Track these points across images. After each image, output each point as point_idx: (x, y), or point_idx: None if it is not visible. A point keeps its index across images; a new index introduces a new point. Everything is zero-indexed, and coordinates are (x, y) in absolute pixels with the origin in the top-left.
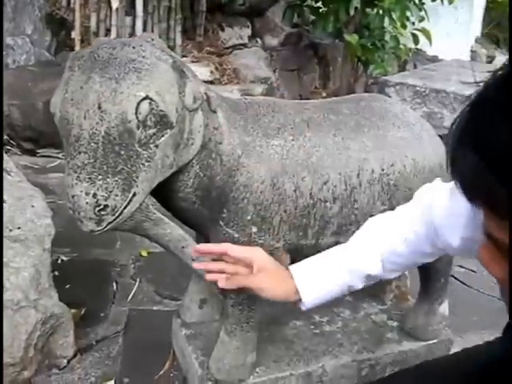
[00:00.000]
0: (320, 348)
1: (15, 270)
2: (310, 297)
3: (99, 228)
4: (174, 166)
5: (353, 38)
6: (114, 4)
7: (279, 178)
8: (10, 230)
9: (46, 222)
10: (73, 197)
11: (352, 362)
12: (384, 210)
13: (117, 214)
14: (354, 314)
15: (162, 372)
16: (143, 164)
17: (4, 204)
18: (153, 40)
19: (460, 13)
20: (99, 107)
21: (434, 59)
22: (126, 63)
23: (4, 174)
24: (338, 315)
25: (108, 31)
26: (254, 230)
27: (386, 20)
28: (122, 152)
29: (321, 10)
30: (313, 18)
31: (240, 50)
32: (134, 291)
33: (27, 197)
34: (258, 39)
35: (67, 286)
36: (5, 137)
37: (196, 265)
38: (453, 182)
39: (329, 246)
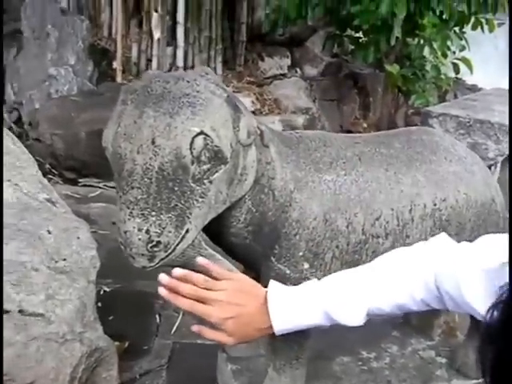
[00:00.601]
0: None
1: (60, 302)
2: (282, 327)
3: (151, 264)
4: (227, 201)
5: (394, 68)
6: (156, 34)
7: (331, 214)
8: (56, 262)
9: (92, 253)
10: (125, 232)
11: None
12: None
13: (169, 251)
14: (401, 350)
15: None
16: (197, 200)
17: (49, 235)
18: (207, 74)
19: (499, 41)
20: (153, 142)
21: (474, 88)
22: (180, 97)
23: (49, 204)
24: (385, 351)
25: (149, 61)
26: (306, 266)
27: (427, 49)
28: (176, 188)
29: (361, 40)
30: (352, 47)
31: (280, 80)
32: (177, 324)
33: (72, 228)
34: (298, 69)
35: (110, 318)
36: (46, 166)
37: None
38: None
39: None
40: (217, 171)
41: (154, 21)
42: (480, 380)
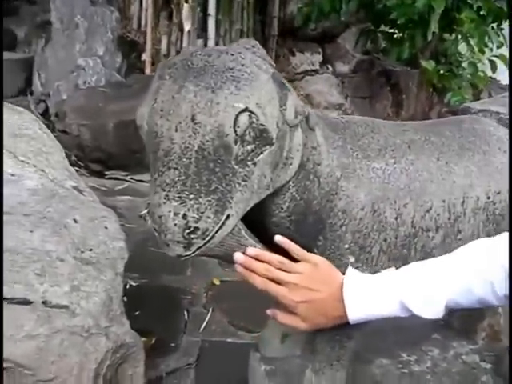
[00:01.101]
0: None
1: (86, 294)
2: (356, 317)
3: (187, 253)
4: (271, 187)
5: (429, 65)
6: (186, 27)
7: (380, 204)
8: (82, 252)
9: (120, 244)
10: (160, 217)
11: None
12: None
13: (207, 239)
14: (443, 354)
15: None
16: (239, 183)
17: (76, 224)
18: (253, 47)
19: None
20: (193, 119)
21: (505, 94)
22: (224, 71)
23: (76, 192)
24: (426, 354)
25: (179, 53)
26: (352, 259)
27: (464, 46)
28: (217, 169)
29: (395, 36)
30: (386, 44)
31: (311, 76)
32: (206, 321)
33: (100, 218)
34: (329, 66)
35: (136, 313)
36: (73, 158)
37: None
38: None
39: None
40: (262, 152)
41: (185, 12)
42: None
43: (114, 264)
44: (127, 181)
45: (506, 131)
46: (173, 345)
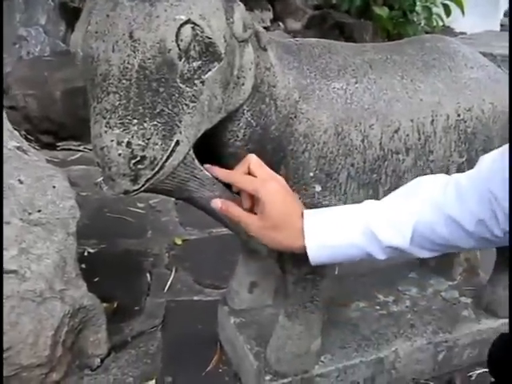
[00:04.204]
0: (390, 330)
1: (37, 256)
2: (316, 244)
3: (135, 187)
4: (223, 110)
5: (383, 11)
6: None
7: (344, 126)
8: (30, 214)
9: (70, 203)
10: (102, 149)
11: (428, 344)
12: (462, 163)
13: (157, 168)
14: (421, 292)
15: (209, 368)
16: (187, 104)
17: (21, 185)
18: None
19: None
20: (131, 36)
21: (463, 36)
22: None
23: (19, 152)
24: (404, 294)
25: None
26: (318, 188)
27: None
28: (161, 89)
29: None
30: None
31: None
32: (170, 282)
33: (47, 177)
34: (280, 23)
35: (96, 280)
36: (22, 132)
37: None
38: None
39: None
40: (209, 69)
41: None
42: None
43: (65, 224)
44: (80, 151)
45: (471, 49)
46: (137, 308)
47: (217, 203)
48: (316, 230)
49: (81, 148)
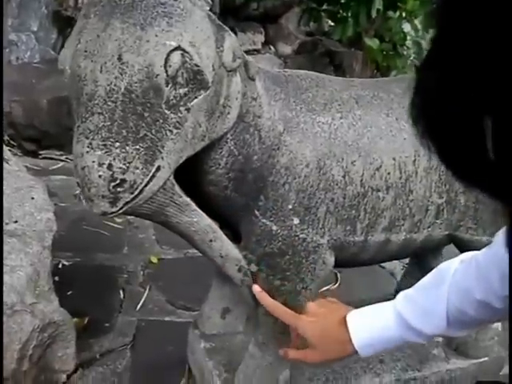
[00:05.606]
0: (359, 365)
1: (10, 268)
2: (362, 348)
3: (114, 209)
4: (207, 138)
5: (373, 43)
6: None
7: (326, 161)
8: (6, 224)
9: (47, 216)
10: (83, 168)
11: (396, 381)
12: (441, 204)
13: (136, 192)
14: None
15: None
16: (171, 131)
17: None
18: None
19: None
20: (119, 58)
21: None
22: (155, 7)
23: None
24: None
25: None
26: (296, 221)
27: (408, 25)
28: (146, 114)
29: (339, 16)
30: (329, 25)
31: (253, 55)
32: (143, 300)
33: (26, 187)
34: (271, 46)
35: (69, 293)
36: (5, 137)
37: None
38: None
39: (378, 245)
40: (196, 97)
41: None
42: (480, 359)
43: (41, 236)
44: (62, 160)
45: None
46: (107, 325)
47: (286, 352)
48: (360, 335)
49: (63, 158)
